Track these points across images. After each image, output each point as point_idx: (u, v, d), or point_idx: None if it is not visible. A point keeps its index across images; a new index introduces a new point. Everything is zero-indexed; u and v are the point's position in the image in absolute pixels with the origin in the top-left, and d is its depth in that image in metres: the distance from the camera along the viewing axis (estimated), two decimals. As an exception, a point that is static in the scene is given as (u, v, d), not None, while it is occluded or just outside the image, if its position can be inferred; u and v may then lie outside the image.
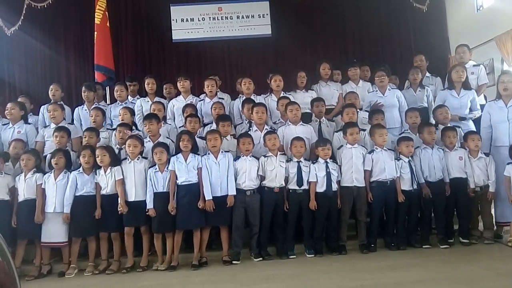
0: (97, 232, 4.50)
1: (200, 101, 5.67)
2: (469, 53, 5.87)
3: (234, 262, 4.42)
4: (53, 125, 5.19)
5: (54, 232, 4.46)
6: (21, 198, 4.51)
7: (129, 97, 6.08)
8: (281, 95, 5.49)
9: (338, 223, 4.65)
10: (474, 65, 5.85)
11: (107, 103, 6.57)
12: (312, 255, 4.49)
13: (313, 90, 5.78)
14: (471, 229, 4.71)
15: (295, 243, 4.62)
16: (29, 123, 5.40)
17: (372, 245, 4.58)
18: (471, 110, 5.28)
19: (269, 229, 4.62)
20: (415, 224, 4.72)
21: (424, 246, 4.57)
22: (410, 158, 4.68)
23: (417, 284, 3.48)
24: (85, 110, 5.73)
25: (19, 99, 5.77)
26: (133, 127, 5.19)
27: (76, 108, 5.83)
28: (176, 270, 4.34)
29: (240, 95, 5.75)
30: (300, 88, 5.69)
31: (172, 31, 8.20)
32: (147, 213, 4.41)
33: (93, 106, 5.58)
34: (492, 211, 4.82)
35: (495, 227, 4.77)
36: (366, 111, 5.46)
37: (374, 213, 4.65)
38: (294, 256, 4.50)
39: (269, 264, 4.37)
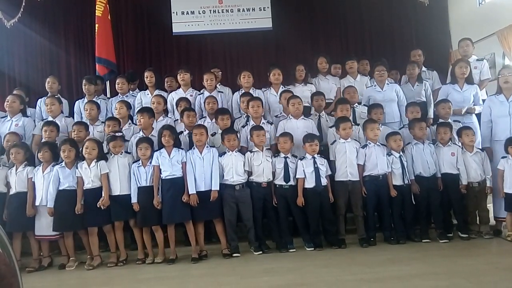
0: (85, 227, 4.48)
1: (199, 94, 5.67)
2: (472, 47, 5.83)
3: (234, 255, 4.44)
4: (50, 118, 5.18)
5: (46, 225, 4.47)
6: (12, 191, 4.52)
7: (130, 90, 6.07)
8: (281, 88, 5.48)
9: (335, 218, 4.66)
10: (477, 60, 5.82)
11: (107, 96, 6.56)
12: (312, 249, 4.50)
13: (311, 83, 5.77)
14: (469, 224, 4.71)
15: (294, 237, 4.63)
16: (28, 116, 5.38)
17: (372, 239, 4.60)
18: (474, 104, 5.26)
19: (265, 223, 4.63)
20: (412, 219, 4.72)
21: (423, 241, 4.58)
22: (401, 153, 4.69)
23: (416, 277, 3.49)
24: (86, 103, 5.70)
25: (15, 92, 5.75)
26: (130, 121, 5.19)
27: (77, 101, 5.83)
28: (174, 263, 4.36)
29: (241, 89, 5.74)
30: (299, 82, 5.68)
31: (173, 24, 8.14)
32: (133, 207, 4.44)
33: (87, 100, 5.56)
34: (489, 206, 4.83)
35: (493, 222, 4.78)
36: (365, 105, 5.46)
37: (369, 207, 4.67)
38: (294, 250, 4.52)
39: (269, 258, 4.39)
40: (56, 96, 5.53)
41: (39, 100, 5.81)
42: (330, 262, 4.08)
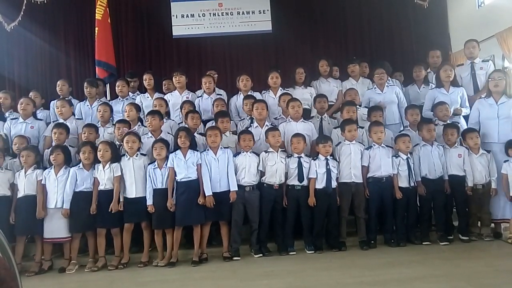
0: (95, 228, 4.49)
1: (198, 97, 5.67)
2: (478, 48, 5.78)
3: (234, 258, 4.43)
4: (61, 121, 5.21)
5: (57, 227, 4.47)
6: (20, 194, 4.51)
7: (130, 93, 6.07)
8: (279, 91, 5.49)
9: (339, 220, 4.66)
10: (483, 61, 5.80)
11: (108, 99, 6.57)
12: (312, 252, 4.50)
13: (312, 86, 5.78)
14: (470, 226, 4.71)
15: (295, 239, 4.63)
16: (40, 119, 5.43)
17: (372, 242, 4.60)
18: (461, 106, 5.27)
19: (269, 225, 4.63)
20: (414, 221, 4.73)
21: (423, 243, 4.58)
22: (408, 155, 4.69)
23: (416, 280, 3.49)
24: (87, 106, 5.72)
25: (31, 94, 5.79)
26: (139, 123, 5.19)
27: (78, 104, 5.83)
28: (175, 266, 4.36)
29: (239, 92, 5.72)
30: (299, 84, 5.69)
31: (173, 27, 8.17)
32: (147, 209, 4.43)
33: (100, 102, 5.58)
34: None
35: (492, 224, 4.77)
36: (365, 107, 5.47)
37: (371, 209, 4.67)
38: (294, 253, 4.51)
39: (269, 260, 4.38)
40: (66, 99, 5.57)
41: (52, 102, 5.86)
42: (330, 265, 4.08)
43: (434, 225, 4.81)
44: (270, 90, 5.60)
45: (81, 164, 4.56)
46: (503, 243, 4.51)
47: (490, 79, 4.90)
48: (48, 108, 5.91)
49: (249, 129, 4.93)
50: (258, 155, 4.63)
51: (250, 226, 4.58)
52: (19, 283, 1.67)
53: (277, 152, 4.62)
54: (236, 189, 4.49)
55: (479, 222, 4.75)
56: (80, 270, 4.45)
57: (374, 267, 3.94)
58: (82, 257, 4.62)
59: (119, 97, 5.94)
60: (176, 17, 8.18)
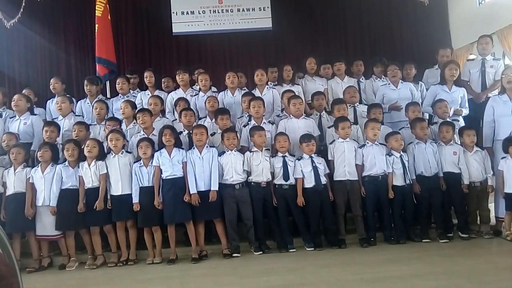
0: (87, 226, 4.49)
1: (194, 95, 5.66)
2: (492, 45, 5.72)
3: (234, 255, 4.44)
4: (61, 117, 5.20)
5: (48, 224, 4.47)
6: (10, 191, 4.50)
7: (130, 90, 6.06)
8: (266, 88, 5.46)
9: (335, 217, 4.66)
10: (494, 59, 5.77)
11: (107, 96, 6.56)
12: (312, 249, 4.49)
13: (298, 84, 5.75)
14: (470, 223, 4.71)
15: (295, 236, 4.63)
16: (35, 114, 5.39)
17: (372, 239, 4.60)
18: (460, 106, 5.27)
19: (266, 223, 4.63)
20: (412, 219, 4.72)
21: (423, 240, 4.58)
22: (402, 153, 4.69)
23: (416, 277, 3.49)
24: (88, 103, 5.72)
25: (24, 91, 5.77)
26: (134, 120, 5.17)
27: (79, 102, 5.83)
28: (175, 263, 4.36)
29: (226, 89, 5.65)
30: (286, 82, 5.67)
31: (172, 24, 8.15)
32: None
33: (96, 99, 5.57)
34: (490, 206, 4.83)
35: (493, 222, 4.77)
36: (365, 105, 5.46)
37: (368, 208, 4.66)
38: (294, 250, 4.51)
39: (269, 258, 4.39)
40: (67, 95, 5.56)
41: (48, 101, 5.85)
42: (330, 262, 4.08)
43: (434, 222, 4.81)
44: (256, 88, 5.56)
45: (66, 162, 4.55)
46: (503, 240, 4.51)
47: (503, 76, 4.87)
48: (43, 107, 5.86)
49: (247, 126, 4.92)
50: (243, 153, 4.63)
51: (245, 224, 4.58)
52: (19, 279, 1.67)
53: (261, 151, 4.61)
54: (217, 188, 4.47)
55: (478, 219, 4.75)
56: (81, 267, 4.46)
57: (374, 264, 3.94)
58: (82, 254, 4.62)
59: (120, 95, 5.92)
60: (176, 14, 8.15)
